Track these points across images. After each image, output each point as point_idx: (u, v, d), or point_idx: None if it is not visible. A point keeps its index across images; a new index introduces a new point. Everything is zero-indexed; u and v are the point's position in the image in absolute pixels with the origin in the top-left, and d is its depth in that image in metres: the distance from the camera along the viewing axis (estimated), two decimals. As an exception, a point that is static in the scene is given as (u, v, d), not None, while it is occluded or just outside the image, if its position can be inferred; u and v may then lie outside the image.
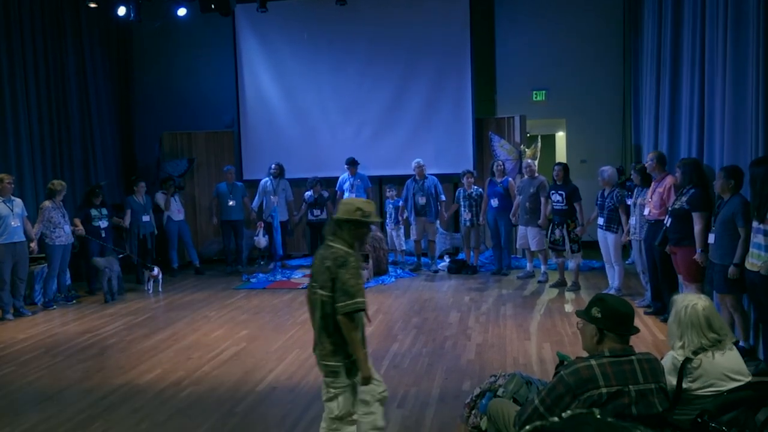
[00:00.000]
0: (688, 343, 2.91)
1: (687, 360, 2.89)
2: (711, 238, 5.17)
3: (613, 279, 7.55)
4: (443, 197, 9.60)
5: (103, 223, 8.61)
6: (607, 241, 7.42)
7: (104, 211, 8.67)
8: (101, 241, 8.50)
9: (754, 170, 4.53)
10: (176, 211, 9.82)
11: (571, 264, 8.02)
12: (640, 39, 8.91)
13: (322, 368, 3.26)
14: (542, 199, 8.37)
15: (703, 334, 2.90)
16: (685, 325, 2.92)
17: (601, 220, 7.44)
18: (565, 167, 8.10)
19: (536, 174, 8.65)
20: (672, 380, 2.89)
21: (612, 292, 7.25)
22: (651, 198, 6.43)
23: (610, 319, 2.70)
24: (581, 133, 11.01)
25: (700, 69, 6.05)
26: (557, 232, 7.99)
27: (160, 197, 9.81)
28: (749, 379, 2.97)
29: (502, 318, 6.75)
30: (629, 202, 7.18)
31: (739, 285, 4.81)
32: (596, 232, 7.71)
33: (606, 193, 7.41)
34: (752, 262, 4.53)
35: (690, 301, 2.97)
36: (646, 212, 6.50)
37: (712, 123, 5.73)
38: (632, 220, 6.96)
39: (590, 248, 8.67)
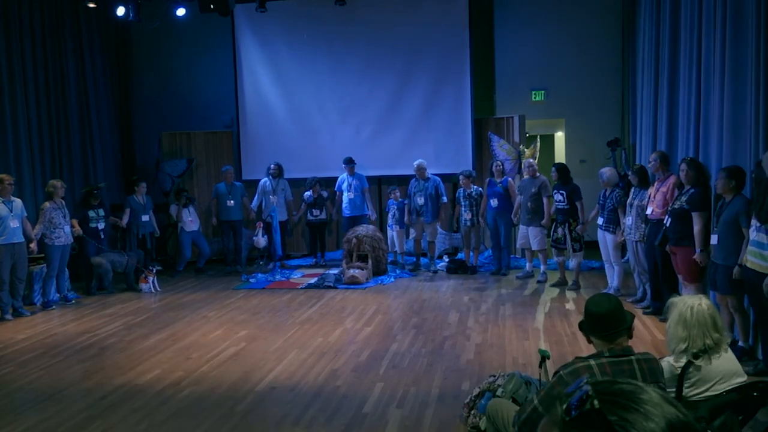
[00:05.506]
0: (692, 345, 2.89)
1: (688, 364, 2.88)
2: (714, 240, 5.15)
3: (613, 279, 7.56)
4: (444, 199, 9.55)
5: (101, 224, 8.60)
6: (606, 241, 7.43)
7: (101, 212, 8.66)
8: (98, 242, 8.50)
9: (760, 171, 4.50)
10: (189, 222, 9.84)
11: (572, 263, 8.03)
12: (639, 39, 8.91)
13: None
14: (545, 199, 8.38)
15: (708, 334, 2.89)
16: (692, 326, 2.89)
17: (600, 220, 7.46)
18: (559, 168, 8.12)
19: (537, 173, 8.66)
20: (670, 388, 2.85)
21: (611, 291, 7.26)
22: (654, 197, 6.42)
23: (589, 323, 2.70)
24: (580, 133, 11.01)
25: (697, 69, 6.05)
26: (560, 230, 8.01)
27: (173, 209, 9.89)
28: (744, 379, 2.97)
29: (501, 318, 6.75)
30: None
31: (742, 286, 4.81)
32: (596, 232, 7.72)
33: (607, 194, 7.42)
34: (753, 261, 4.53)
35: (693, 302, 2.96)
36: (648, 212, 6.48)
37: (709, 123, 5.73)
38: (627, 221, 6.95)
39: (590, 248, 8.68)
